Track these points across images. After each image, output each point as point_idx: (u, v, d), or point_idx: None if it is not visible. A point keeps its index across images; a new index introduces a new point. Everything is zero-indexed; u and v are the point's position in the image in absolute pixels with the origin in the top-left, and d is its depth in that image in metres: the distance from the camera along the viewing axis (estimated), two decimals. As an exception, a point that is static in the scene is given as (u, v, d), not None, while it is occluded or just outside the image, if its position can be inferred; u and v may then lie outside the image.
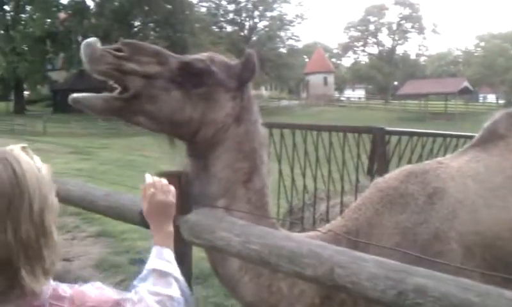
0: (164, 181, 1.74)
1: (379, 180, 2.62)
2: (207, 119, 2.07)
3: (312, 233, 2.22)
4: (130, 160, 23.92)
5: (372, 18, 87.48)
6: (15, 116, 50.28)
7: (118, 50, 1.97)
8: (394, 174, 2.60)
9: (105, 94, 1.99)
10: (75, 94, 1.95)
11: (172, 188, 1.75)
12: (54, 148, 26.41)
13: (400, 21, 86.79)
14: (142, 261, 6.34)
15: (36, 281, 1.25)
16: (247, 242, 1.74)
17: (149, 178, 1.73)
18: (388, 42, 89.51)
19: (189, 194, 2.13)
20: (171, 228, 1.71)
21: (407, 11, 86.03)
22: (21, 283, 1.22)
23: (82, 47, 1.93)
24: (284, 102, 70.86)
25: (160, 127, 2.08)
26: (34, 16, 61.16)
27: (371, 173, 6.51)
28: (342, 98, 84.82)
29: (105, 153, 26.72)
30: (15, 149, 1.31)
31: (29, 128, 42.08)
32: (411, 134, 6.51)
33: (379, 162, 5.68)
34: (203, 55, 2.16)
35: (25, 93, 67.04)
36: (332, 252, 1.58)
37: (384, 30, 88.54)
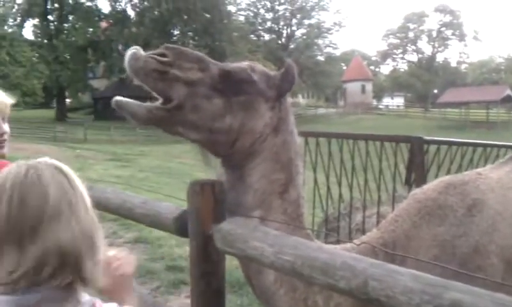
0: (124, 252, 1.68)
1: (417, 191, 2.56)
2: (246, 128, 2.05)
3: (348, 245, 2.18)
4: (169, 168, 24.20)
5: (411, 26, 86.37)
6: (56, 123, 51.57)
7: (162, 55, 1.97)
8: (432, 185, 2.54)
9: (148, 104, 1.99)
10: (119, 98, 1.96)
11: (133, 257, 1.69)
12: (94, 154, 26.94)
13: (440, 28, 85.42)
14: (178, 268, 6.35)
15: (96, 274, 1.32)
16: (280, 253, 1.72)
17: (111, 251, 1.68)
18: (427, 49, 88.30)
19: (222, 203, 2.12)
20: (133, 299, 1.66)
21: (447, 18, 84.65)
22: (83, 275, 1.28)
23: (126, 56, 1.95)
24: (321, 110, 70.56)
25: (199, 137, 2.05)
26: (77, 26, 62.76)
27: (409, 183, 6.40)
28: (380, 106, 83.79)
29: (143, 160, 27.09)
30: (48, 159, 1.37)
31: (70, 135, 43.08)
32: (451, 144, 6.36)
33: (417, 172, 5.57)
34: (243, 64, 2.16)
35: (67, 100, 68.72)
36: (366, 265, 1.55)
37: (424, 37, 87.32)
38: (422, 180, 5.11)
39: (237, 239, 1.90)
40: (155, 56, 1.95)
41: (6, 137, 2.20)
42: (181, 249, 7.70)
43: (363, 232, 5.52)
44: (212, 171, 2.27)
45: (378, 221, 5.46)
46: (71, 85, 62.51)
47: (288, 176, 2.14)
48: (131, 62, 1.93)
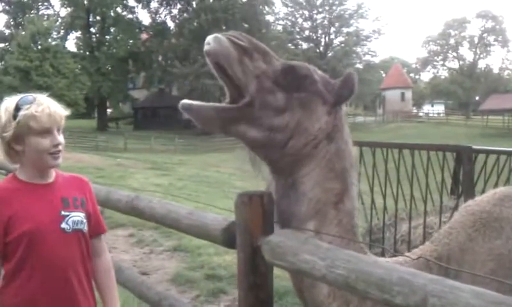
0: None
1: (470, 203, 2.47)
2: (301, 127, 2.00)
3: (400, 259, 2.11)
4: (206, 176, 24.38)
5: (452, 32, 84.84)
6: (98, 133, 52.71)
7: (239, 38, 1.98)
8: (486, 196, 2.45)
9: (215, 104, 1.99)
10: (186, 101, 1.97)
11: None
12: (134, 163, 27.39)
13: (482, 34, 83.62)
14: (217, 277, 6.33)
15: None
16: (332, 266, 1.66)
17: None
18: (469, 56, 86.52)
19: (271, 215, 2.07)
20: None
21: (489, 24, 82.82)
22: None
23: (209, 39, 1.96)
24: (360, 118, 69.86)
25: (259, 135, 1.98)
26: (118, 38, 64.20)
27: (455, 193, 6.24)
28: (420, 114, 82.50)
29: (182, 168, 27.39)
30: None
31: (111, 144, 43.95)
32: (500, 153, 6.11)
33: (465, 182, 5.39)
34: (308, 65, 2.14)
35: (108, 110, 70.14)
36: (425, 281, 1.48)
37: (465, 44, 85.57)
38: (470, 191, 4.95)
39: (286, 252, 1.85)
40: (237, 40, 1.95)
41: (60, 148, 2.23)
42: (220, 257, 7.71)
43: (409, 243, 5.39)
44: (256, 178, 2.22)
45: (425, 232, 5.33)
46: (112, 95, 63.86)
47: (343, 186, 2.08)
48: (214, 45, 1.93)
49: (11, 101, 2.25)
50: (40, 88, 48.26)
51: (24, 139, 2.20)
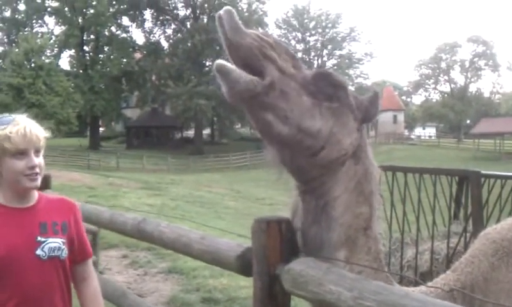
0: None
1: (489, 230, 2.40)
2: (335, 138, 1.86)
3: (423, 288, 2.02)
4: (199, 196, 24.30)
5: (444, 56, 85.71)
6: (90, 152, 52.50)
7: (265, 35, 1.82)
8: (506, 224, 2.39)
9: (249, 75, 1.73)
10: (222, 62, 1.72)
11: None
12: (127, 183, 27.25)
13: (473, 58, 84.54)
14: (214, 301, 6.22)
15: None
16: (360, 298, 1.56)
17: None
18: (460, 80, 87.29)
19: (288, 241, 1.97)
20: None
21: (480, 49, 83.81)
22: None
23: (223, 12, 1.72)
24: (352, 140, 70.01)
25: (287, 131, 1.79)
26: (112, 57, 64.37)
27: (457, 218, 6.16)
28: (412, 137, 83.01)
29: (174, 188, 27.29)
30: None
31: (103, 163, 43.78)
32: (508, 178, 5.96)
33: (474, 207, 5.31)
34: None
35: (101, 129, 70.01)
36: (463, 315, 1.39)
37: (457, 67, 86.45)
38: (478, 216, 4.87)
39: (309, 281, 1.74)
40: (260, 34, 1.78)
41: (37, 170, 2.16)
42: (216, 280, 7.59)
43: (416, 269, 5.29)
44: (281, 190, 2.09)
45: (432, 258, 5.25)
46: (105, 114, 63.79)
47: (370, 210, 1.97)
48: (230, 19, 1.72)
49: None
50: (33, 106, 48.16)
51: (0, 161, 2.15)
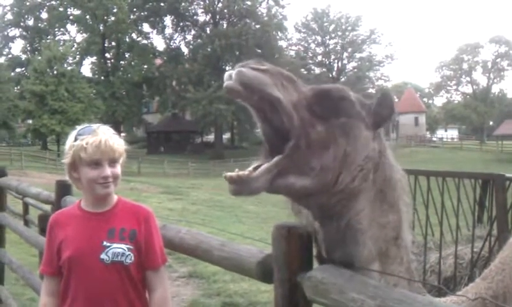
0: None
1: (518, 236, 2.32)
2: (349, 158, 1.68)
3: (455, 298, 1.96)
4: (219, 201, 24.36)
5: (465, 57, 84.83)
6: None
7: (262, 65, 1.66)
8: (536, 229, 2.31)
9: (266, 168, 1.60)
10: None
11: None
12: (148, 187, 27.46)
13: (495, 59, 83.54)
14: (234, 305, 6.21)
15: None
16: (383, 306, 1.53)
17: None
18: (483, 81, 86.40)
19: (310, 249, 1.93)
20: None
21: (503, 49, 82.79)
22: None
23: (232, 74, 1.62)
24: (373, 143, 69.50)
25: (309, 182, 1.64)
26: (133, 63, 65.12)
27: (481, 221, 6.06)
28: (434, 139, 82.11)
29: (195, 193, 27.41)
30: None
31: (125, 168, 43.52)
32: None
33: (499, 211, 5.20)
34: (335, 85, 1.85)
35: (122, 134, 70.73)
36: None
37: (479, 68, 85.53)
38: (503, 220, 4.77)
39: (331, 289, 1.70)
40: (260, 67, 1.64)
41: (110, 180, 2.31)
42: (236, 285, 7.59)
43: (439, 274, 5.21)
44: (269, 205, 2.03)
45: (456, 263, 5.16)
46: (126, 120, 64.41)
47: (398, 216, 1.85)
48: (238, 77, 1.61)
49: (77, 129, 2.40)
50: (55, 112, 48.92)
51: (78, 168, 2.33)
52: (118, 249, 2.30)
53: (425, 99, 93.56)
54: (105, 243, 2.30)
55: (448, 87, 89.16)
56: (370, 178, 1.78)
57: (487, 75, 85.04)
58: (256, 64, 1.66)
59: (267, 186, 1.60)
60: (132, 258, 2.32)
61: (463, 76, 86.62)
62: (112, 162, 2.33)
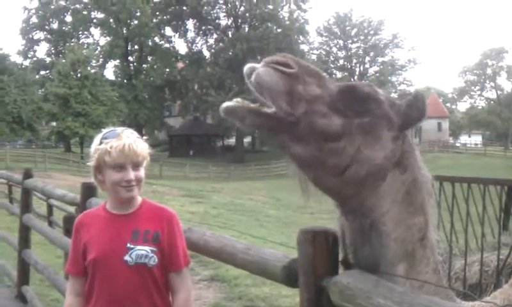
0: None
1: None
2: (362, 155, 1.74)
3: (483, 304, 1.94)
4: (240, 204, 24.44)
5: (489, 62, 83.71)
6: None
7: (285, 64, 1.72)
8: None
9: (258, 109, 1.74)
10: (228, 104, 1.77)
11: None
12: (170, 190, 27.65)
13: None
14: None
15: None
16: (410, 312, 1.52)
17: None
18: (507, 86, 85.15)
19: (335, 253, 1.95)
20: None
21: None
22: None
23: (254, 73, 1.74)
24: (395, 148, 68.96)
25: (304, 152, 1.74)
26: (155, 66, 65.74)
27: (507, 228, 5.98)
28: (458, 144, 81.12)
29: (216, 196, 27.53)
30: None
31: (147, 171, 44.23)
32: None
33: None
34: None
35: (144, 137, 71.13)
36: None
37: (503, 73, 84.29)
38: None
39: (357, 294, 1.70)
40: (279, 67, 1.71)
41: (133, 183, 2.35)
42: (258, 289, 7.58)
43: (464, 281, 5.15)
44: (302, 202, 2.00)
45: (482, 270, 5.10)
46: (148, 123, 64.94)
47: (424, 219, 1.86)
48: (258, 80, 1.72)
49: (102, 132, 2.44)
50: (79, 115, 49.56)
51: (103, 171, 2.37)
52: (142, 251, 2.34)
53: (448, 104, 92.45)
54: (128, 245, 2.34)
55: (472, 93, 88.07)
56: (395, 178, 1.82)
57: (511, 80, 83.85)
58: (283, 59, 1.75)
59: (255, 126, 1.80)
60: (156, 260, 2.35)
61: (487, 81, 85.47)
62: (136, 165, 2.37)
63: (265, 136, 2.07)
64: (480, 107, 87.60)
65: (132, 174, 2.33)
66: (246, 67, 1.79)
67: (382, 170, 1.79)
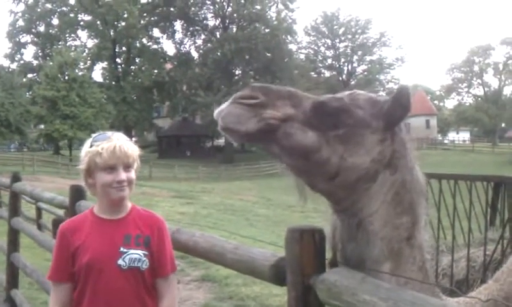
0: None
1: (529, 238, 2.33)
2: (347, 163, 1.79)
3: (467, 299, 1.97)
4: (230, 204, 24.40)
5: (476, 59, 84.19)
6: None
7: (251, 97, 1.80)
8: (546, 231, 2.32)
9: (248, 121, 1.79)
10: (221, 123, 1.82)
11: None
12: (159, 191, 27.54)
13: (507, 61, 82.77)
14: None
15: None
16: (396, 309, 1.54)
17: None
18: (494, 83, 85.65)
19: (322, 252, 1.97)
20: None
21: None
22: None
23: (220, 121, 1.82)
24: (383, 146, 69.34)
25: (293, 162, 1.84)
26: (143, 68, 65.49)
27: (494, 224, 6.04)
28: (446, 141, 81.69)
29: (206, 197, 27.46)
30: None
31: (136, 173, 44.18)
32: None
33: (511, 214, 5.19)
34: (343, 93, 1.92)
35: (133, 139, 70.91)
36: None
37: (490, 70, 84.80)
38: (515, 223, 4.76)
39: (343, 291, 1.73)
40: (244, 101, 1.80)
41: (124, 184, 2.36)
42: (248, 288, 7.59)
43: (452, 277, 5.20)
44: (293, 201, 2.05)
45: (468, 266, 5.15)
46: (137, 124, 64.71)
47: (413, 219, 1.89)
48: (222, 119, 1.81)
49: (92, 136, 2.46)
50: (67, 117, 49.28)
51: (94, 173, 2.37)
52: (135, 255, 2.35)
53: (436, 101, 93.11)
54: (122, 249, 2.35)
55: (460, 90, 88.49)
56: (385, 179, 1.85)
57: (498, 77, 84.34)
58: (247, 93, 1.82)
59: (243, 138, 1.84)
60: (148, 264, 2.37)
61: (474, 78, 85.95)
62: (127, 166, 2.38)
63: (261, 146, 2.13)
64: (467, 104, 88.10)
65: (123, 175, 2.35)
66: (215, 113, 1.85)
67: (371, 173, 1.83)
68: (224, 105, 1.82)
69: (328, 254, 2.01)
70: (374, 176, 1.84)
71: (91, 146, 2.38)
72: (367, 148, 1.82)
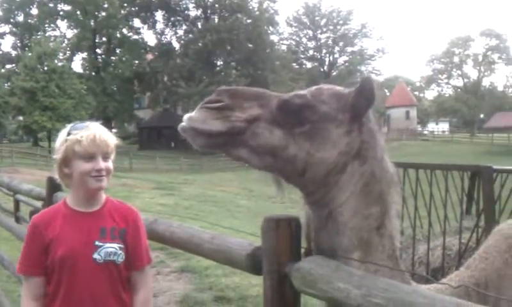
0: None
1: (503, 226, 2.36)
2: (315, 158, 1.82)
3: (439, 286, 2.01)
4: (212, 196, 24.35)
5: (456, 50, 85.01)
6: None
7: (217, 100, 1.85)
8: (520, 219, 2.36)
9: (210, 128, 1.84)
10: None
11: None
12: (140, 183, 27.39)
13: (486, 52, 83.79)
14: (226, 299, 6.24)
15: None
16: (369, 295, 1.56)
17: None
18: (473, 74, 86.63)
19: (298, 241, 1.99)
20: None
21: (493, 42, 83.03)
22: None
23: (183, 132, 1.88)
24: (364, 137, 69.83)
25: (262, 163, 1.88)
26: (124, 58, 64.87)
27: (470, 213, 6.13)
28: (425, 132, 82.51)
29: (187, 188, 27.36)
30: None
31: (116, 164, 42.98)
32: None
33: (486, 203, 5.27)
34: (309, 89, 1.94)
35: (113, 130, 70.38)
36: (472, 312, 1.38)
37: (470, 62, 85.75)
38: (490, 211, 4.84)
39: (318, 279, 1.75)
40: (210, 105, 1.85)
41: (103, 173, 2.33)
42: (228, 279, 7.60)
43: (428, 265, 5.27)
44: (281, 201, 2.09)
45: (444, 254, 5.22)
46: (117, 115, 64.20)
47: (382, 209, 1.91)
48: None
49: (67, 127, 2.42)
50: (46, 109, 48.67)
51: (71, 162, 2.33)
52: (111, 249, 2.32)
53: (416, 92, 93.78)
54: (97, 243, 2.31)
55: (439, 81, 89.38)
56: (354, 171, 1.88)
57: (478, 68, 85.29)
58: (213, 98, 1.88)
59: (208, 145, 1.90)
60: (123, 257, 2.35)
61: (454, 69, 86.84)
62: (106, 156, 2.36)
63: (227, 153, 2.13)
64: (447, 95, 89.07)
65: (102, 164, 2.32)
66: (184, 119, 1.89)
67: (340, 165, 1.86)
68: (192, 112, 1.86)
69: (304, 244, 2.03)
70: (343, 168, 1.87)
71: (68, 134, 2.35)
72: (334, 142, 1.85)
